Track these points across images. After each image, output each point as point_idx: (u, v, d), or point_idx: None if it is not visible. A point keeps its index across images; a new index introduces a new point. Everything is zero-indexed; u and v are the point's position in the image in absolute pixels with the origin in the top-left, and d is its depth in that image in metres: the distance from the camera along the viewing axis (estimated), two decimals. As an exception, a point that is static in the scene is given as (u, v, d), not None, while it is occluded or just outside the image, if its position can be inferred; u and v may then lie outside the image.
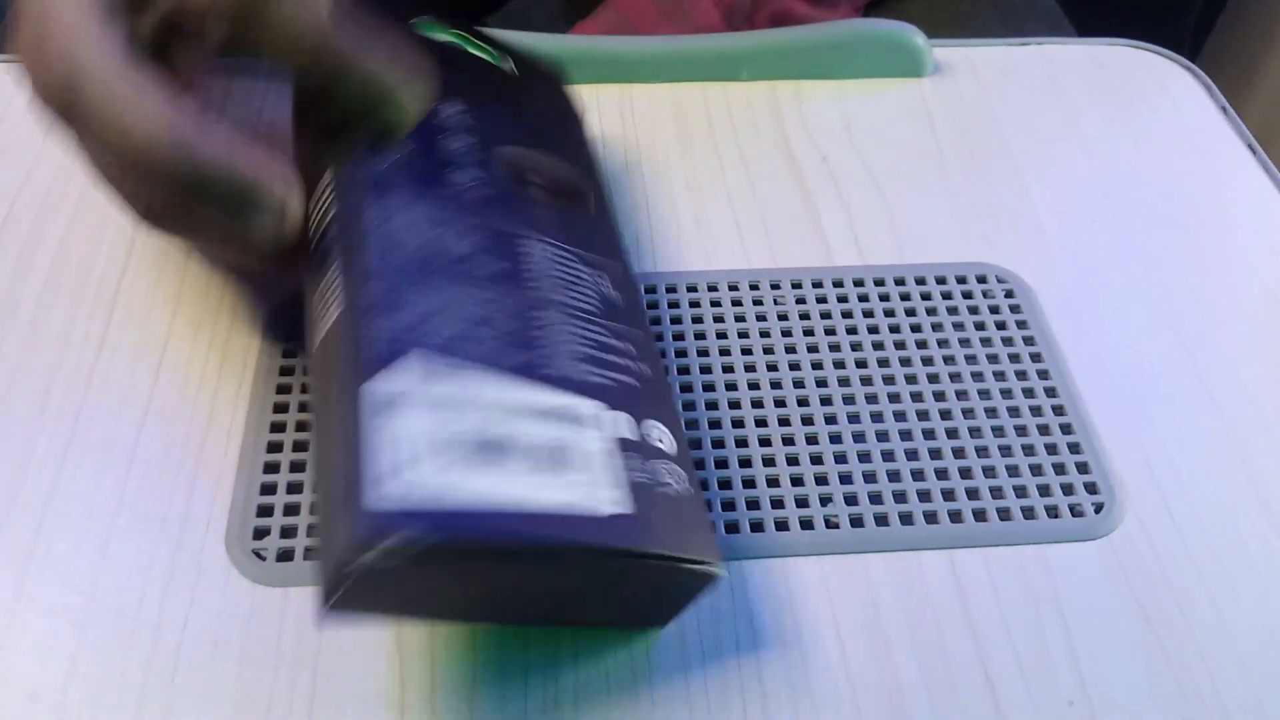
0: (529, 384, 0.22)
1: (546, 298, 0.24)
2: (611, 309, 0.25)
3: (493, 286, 0.23)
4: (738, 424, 0.28)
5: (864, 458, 0.27)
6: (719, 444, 0.27)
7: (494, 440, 0.20)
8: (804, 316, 0.30)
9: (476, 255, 0.24)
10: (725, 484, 0.26)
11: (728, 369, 0.29)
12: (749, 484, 0.26)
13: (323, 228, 0.24)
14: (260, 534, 0.25)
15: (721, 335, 0.30)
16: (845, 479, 0.27)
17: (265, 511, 0.25)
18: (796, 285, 0.31)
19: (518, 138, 0.28)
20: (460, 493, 0.19)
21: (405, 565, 0.18)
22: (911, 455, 0.27)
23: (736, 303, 0.31)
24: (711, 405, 0.28)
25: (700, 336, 0.30)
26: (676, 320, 0.30)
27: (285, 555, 0.25)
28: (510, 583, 0.22)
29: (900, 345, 0.30)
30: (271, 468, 0.26)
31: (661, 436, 0.23)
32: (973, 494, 0.27)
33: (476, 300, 0.23)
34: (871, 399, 0.28)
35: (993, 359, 0.30)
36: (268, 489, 0.26)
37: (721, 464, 0.27)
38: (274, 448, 0.27)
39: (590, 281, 0.25)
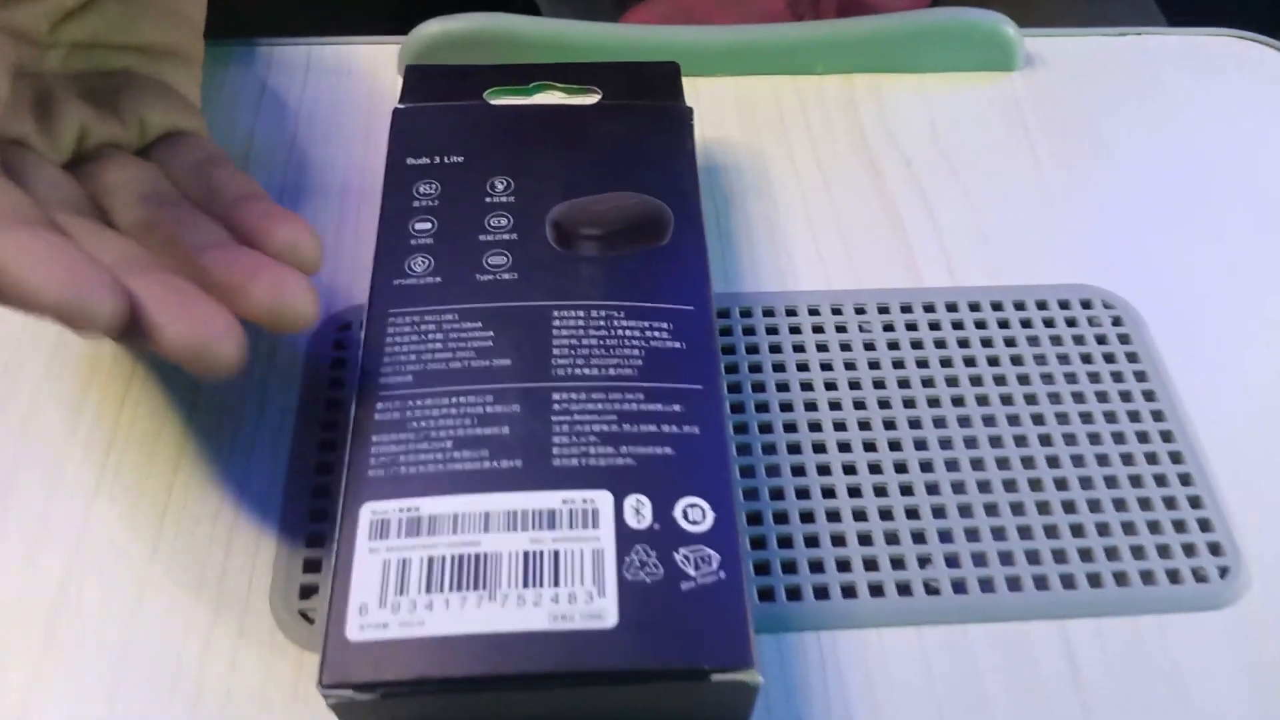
0: (521, 492, 0.20)
1: (568, 374, 0.22)
2: (658, 366, 0.22)
3: (500, 380, 0.22)
4: (823, 470, 0.25)
5: (965, 511, 0.25)
6: (803, 493, 0.25)
7: (472, 561, 0.20)
8: (893, 346, 0.28)
9: (490, 350, 0.23)
10: (811, 540, 0.24)
11: (810, 406, 0.26)
12: (838, 540, 0.24)
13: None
14: (308, 592, 0.23)
15: (802, 367, 0.27)
16: (945, 536, 0.24)
17: (313, 566, 0.23)
18: (883, 309, 0.29)
19: (578, 186, 0.26)
20: (428, 626, 0.19)
21: (378, 700, 0.19)
22: (1017, 509, 0.25)
23: (818, 329, 0.28)
24: (794, 448, 0.26)
25: (779, 368, 0.27)
26: (752, 349, 0.27)
27: (334, 615, 0.23)
28: (503, 712, 0.20)
29: (1000, 381, 0.27)
30: (319, 515, 0.24)
31: (696, 514, 0.20)
32: (1085, 555, 0.24)
33: (478, 402, 0.22)
34: (970, 443, 0.26)
35: (1102, 397, 0.27)
36: (314, 540, 0.24)
37: (807, 517, 0.24)
38: (320, 492, 0.24)
39: (634, 339, 0.23)
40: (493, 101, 0.28)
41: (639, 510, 0.20)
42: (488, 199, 0.25)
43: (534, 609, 0.19)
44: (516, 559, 0.20)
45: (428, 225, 0.25)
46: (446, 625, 0.19)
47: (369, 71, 0.34)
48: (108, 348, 0.27)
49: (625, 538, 0.20)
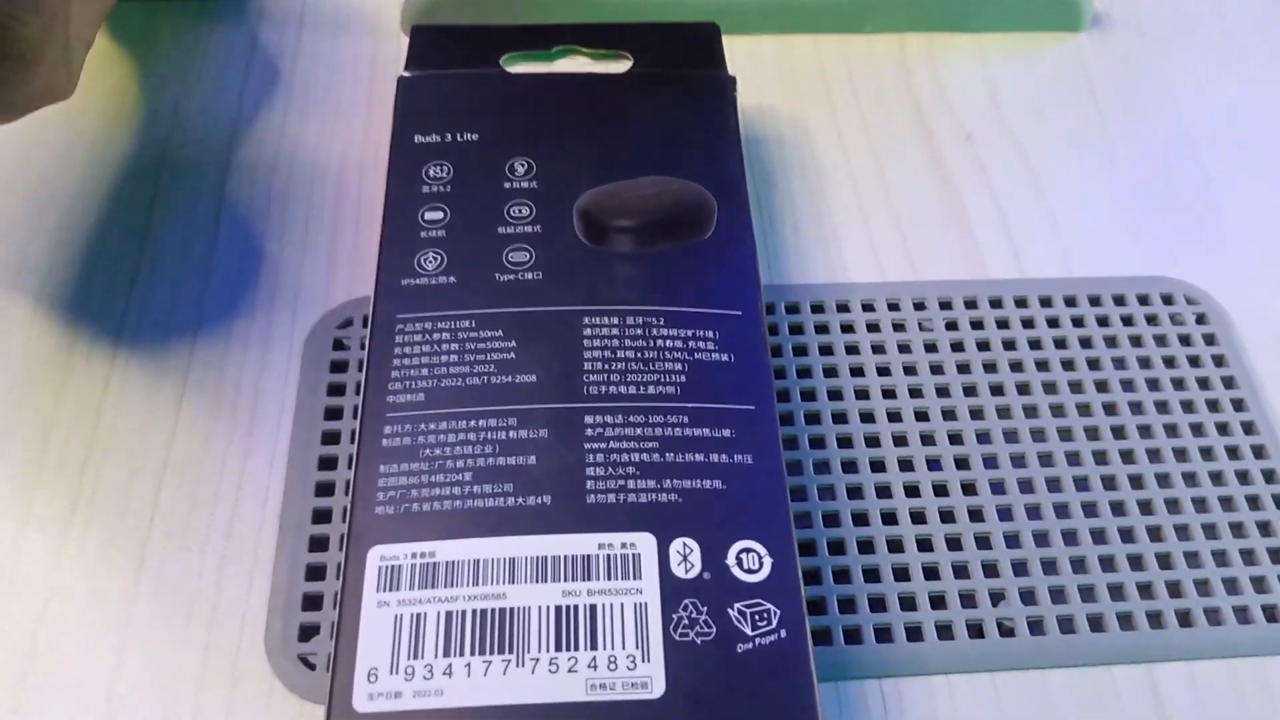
0: (551, 535, 0.18)
1: (602, 393, 0.19)
2: (704, 382, 0.20)
3: (525, 400, 0.19)
4: (883, 492, 0.23)
5: (1040, 539, 0.22)
6: (861, 519, 0.22)
7: (496, 618, 0.17)
8: (956, 347, 0.25)
9: (513, 364, 0.20)
10: (871, 574, 0.22)
11: (866, 417, 0.24)
12: (900, 574, 0.22)
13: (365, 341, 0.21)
14: (308, 633, 0.20)
15: (857, 371, 0.24)
16: (1019, 568, 0.22)
17: (313, 603, 0.21)
18: (945, 305, 0.26)
19: (609, 169, 0.23)
20: (447, 696, 0.16)
21: None
22: (1098, 537, 0.22)
23: (873, 327, 0.25)
24: (849, 467, 0.23)
25: (830, 373, 0.24)
26: (800, 351, 0.25)
27: (338, 658, 0.20)
28: None
29: (1076, 388, 0.24)
30: (318, 544, 0.21)
31: (751, 561, 0.18)
32: (1174, 590, 0.22)
33: (500, 426, 0.19)
34: (1046, 460, 0.23)
35: (1187, 406, 0.24)
36: (314, 573, 0.21)
37: (866, 547, 0.22)
38: (320, 517, 0.22)
39: (676, 350, 0.20)
40: (510, 69, 0.25)
41: (686, 557, 0.18)
42: (507, 184, 0.22)
43: (568, 676, 0.17)
44: (548, 616, 0.17)
45: (439, 215, 0.22)
46: (469, 695, 0.17)
47: (370, 28, 0.31)
48: (81, 349, 0.24)
49: (671, 590, 0.17)
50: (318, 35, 0.31)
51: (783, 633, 0.17)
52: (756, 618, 0.17)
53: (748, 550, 0.18)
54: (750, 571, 0.18)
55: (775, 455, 0.19)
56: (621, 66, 0.25)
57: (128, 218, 0.26)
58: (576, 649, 0.17)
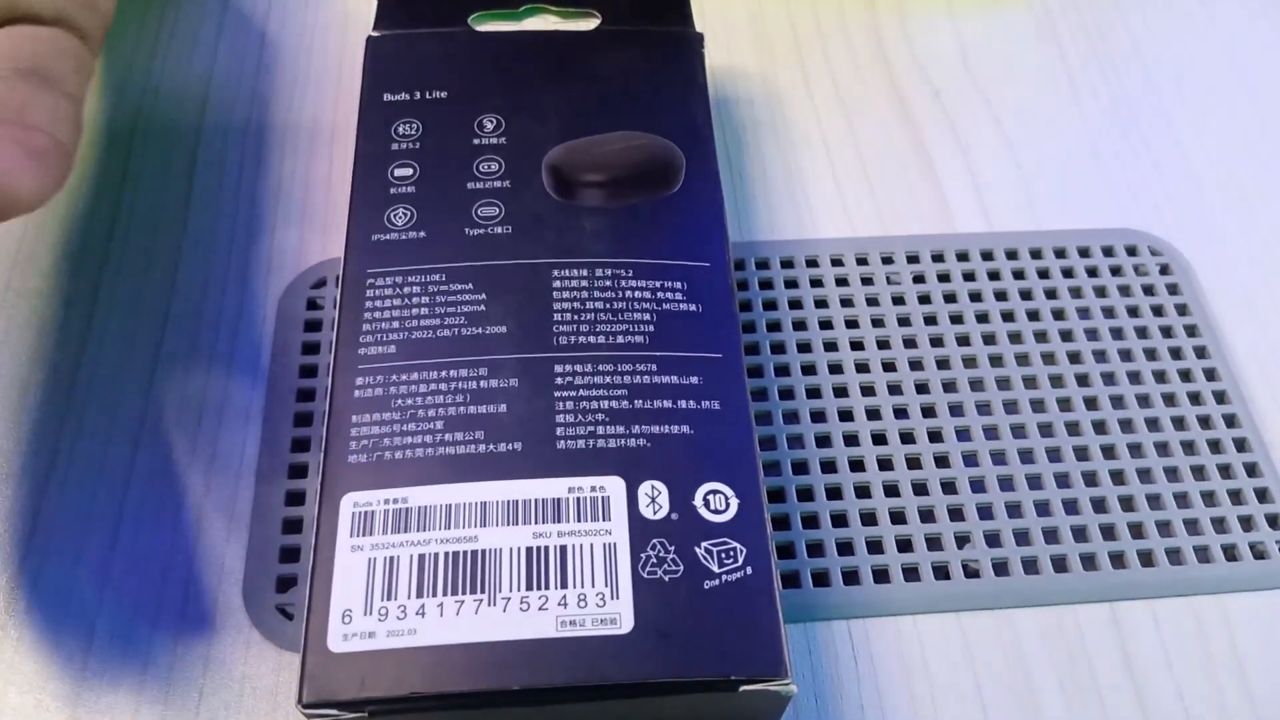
0: (522, 479, 0.18)
1: (572, 343, 0.20)
2: (672, 332, 0.20)
3: (495, 351, 0.20)
4: (851, 440, 0.23)
5: (1005, 484, 0.23)
6: (829, 467, 0.23)
7: (468, 559, 0.17)
8: (924, 299, 0.25)
9: (483, 315, 0.20)
10: (839, 519, 0.22)
11: (835, 368, 0.24)
12: (868, 519, 0.22)
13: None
14: (285, 585, 0.21)
15: (825, 324, 0.25)
16: (984, 512, 0.22)
17: (290, 555, 0.21)
18: (913, 259, 0.26)
19: (577, 125, 0.23)
20: (420, 635, 0.17)
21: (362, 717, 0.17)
22: (1062, 481, 0.23)
23: (841, 281, 0.25)
24: (818, 416, 0.23)
25: (800, 326, 0.25)
26: (770, 305, 0.25)
27: (316, 609, 0.20)
28: None
29: (1041, 337, 0.25)
30: (295, 498, 0.22)
31: (719, 502, 0.18)
32: (1136, 531, 0.22)
33: (470, 377, 0.19)
34: (1011, 407, 0.24)
35: (1150, 355, 0.25)
36: (291, 526, 0.21)
37: (834, 493, 0.22)
38: (297, 472, 0.22)
39: (645, 301, 0.20)
40: (478, 27, 0.25)
41: (654, 499, 0.18)
42: (476, 140, 0.23)
43: (539, 614, 0.17)
44: (518, 556, 0.17)
45: (409, 171, 0.22)
46: (441, 634, 0.17)
47: (340, -7, 0.31)
48: (55, 312, 0.24)
49: (640, 530, 0.18)
50: (287, 1, 0.31)
51: (749, 569, 0.18)
52: (723, 555, 0.18)
53: (715, 492, 0.18)
54: (717, 512, 0.18)
55: (742, 401, 0.19)
56: (589, 24, 0.25)
57: (101, 181, 0.26)
58: (547, 588, 0.17)
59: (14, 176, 0.18)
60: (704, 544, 0.18)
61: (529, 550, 0.18)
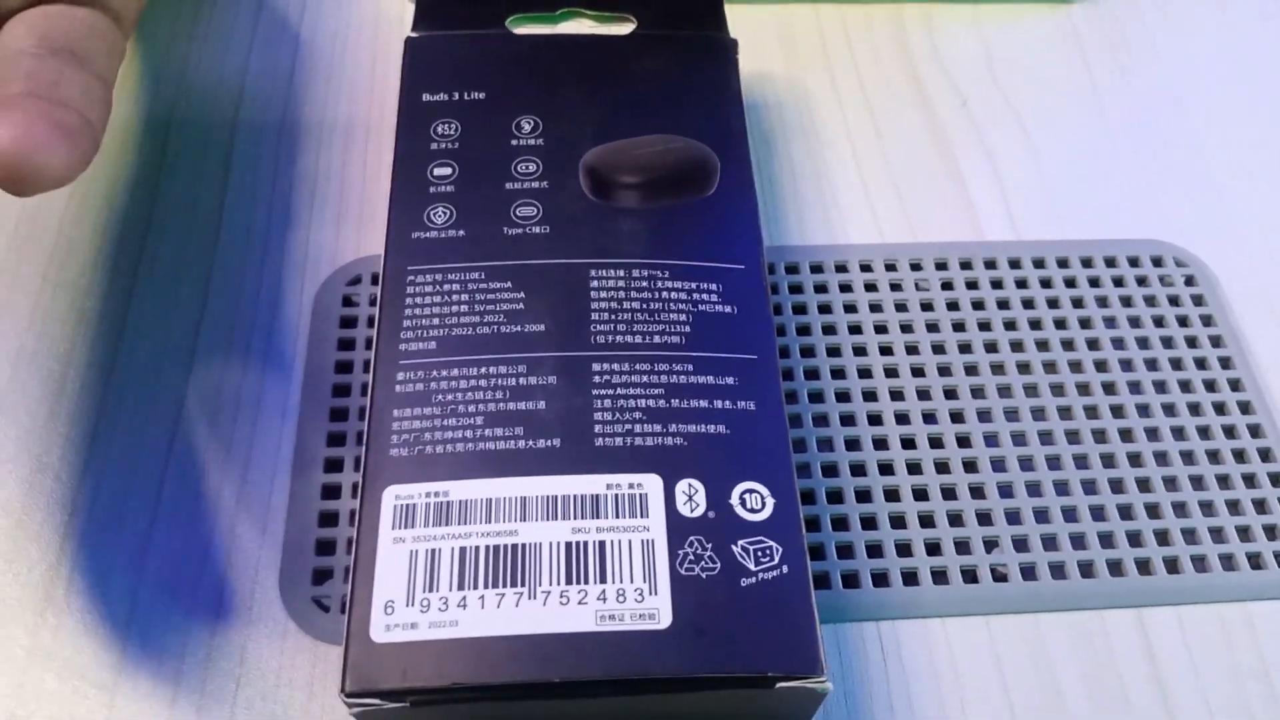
0: (561, 475, 0.18)
1: (610, 342, 0.20)
2: (708, 333, 0.20)
3: (534, 349, 0.20)
4: (880, 444, 0.23)
5: (1033, 490, 0.23)
6: (859, 470, 0.23)
7: (509, 553, 0.18)
8: (952, 306, 0.26)
9: (522, 314, 0.20)
10: (869, 521, 0.22)
11: (864, 373, 0.24)
12: (897, 522, 0.22)
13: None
14: (321, 577, 0.21)
15: (855, 329, 0.25)
16: (1012, 517, 0.22)
17: (326, 548, 0.21)
18: (941, 265, 0.26)
19: (613, 127, 0.23)
20: (462, 627, 0.17)
21: (407, 710, 0.17)
22: (1089, 487, 0.23)
23: (870, 287, 0.26)
24: (847, 420, 0.24)
25: (829, 331, 0.25)
26: (800, 309, 0.25)
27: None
28: (544, 715, 0.18)
29: (1068, 345, 0.25)
30: (331, 492, 0.22)
31: (755, 501, 0.18)
32: (1162, 538, 0.22)
33: (510, 374, 0.20)
34: (1038, 414, 0.24)
35: (1176, 364, 0.25)
36: (327, 519, 0.22)
37: (863, 496, 0.22)
38: (332, 466, 0.22)
39: (681, 302, 0.21)
40: (515, 30, 0.25)
41: (691, 497, 0.18)
42: (514, 141, 0.23)
43: (579, 608, 0.17)
44: (558, 551, 0.18)
45: (448, 170, 0.22)
46: (482, 626, 0.17)
47: (373, -6, 0.31)
48: (92, 307, 0.24)
49: (677, 527, 0.18)
50: (322, 1, 0.31)
51: (784, 568, 0.18)
52: (759, 554, 0.18)
53: (751, 491, 0.19)
54: (753, 511, 0.18)
55: (777, 402, 0.20)
56: (625, 29, 0.25)
57: (137, 176, 0.27)
58: (586, 582, 0.17)
59: (43, 151, 0.18)
60: (740, 542, 0.18)
61: (568, 545, 0.18)
